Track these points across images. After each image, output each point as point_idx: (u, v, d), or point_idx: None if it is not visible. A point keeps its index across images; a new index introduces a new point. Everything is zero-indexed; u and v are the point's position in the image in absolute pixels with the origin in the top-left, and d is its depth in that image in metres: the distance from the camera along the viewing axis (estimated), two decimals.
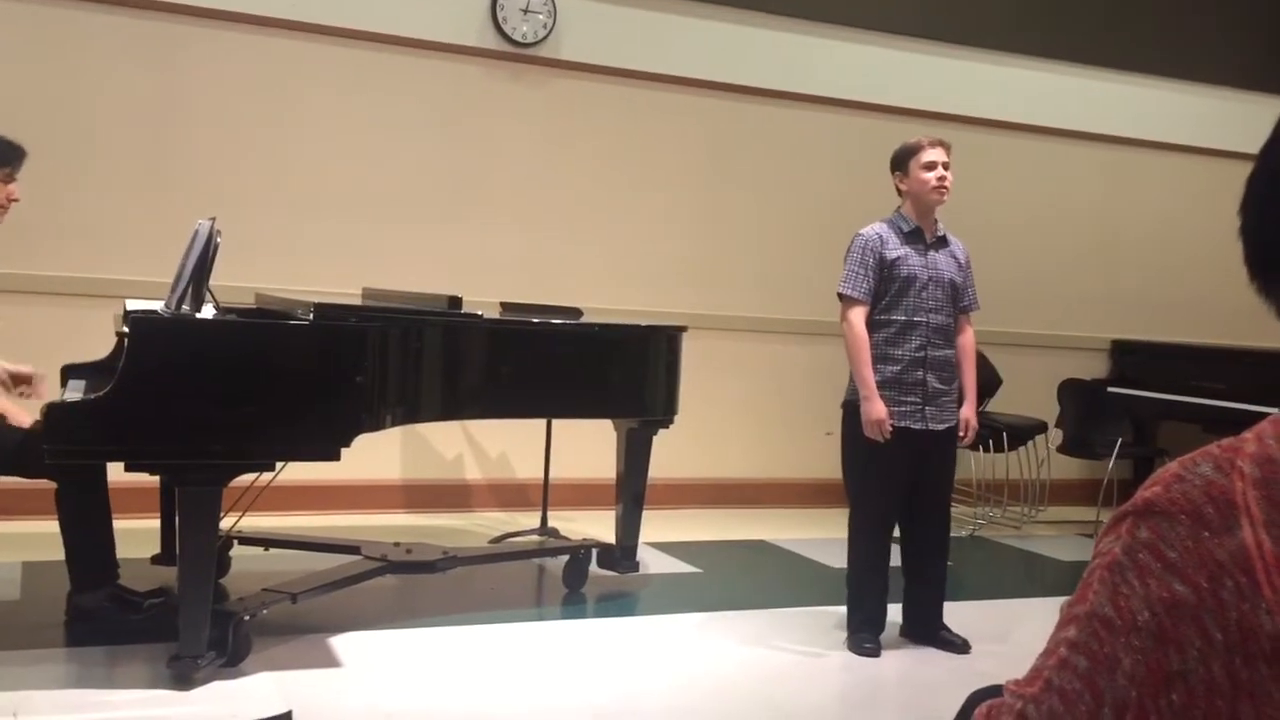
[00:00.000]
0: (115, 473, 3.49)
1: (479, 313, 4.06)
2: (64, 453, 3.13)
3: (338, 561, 4.12)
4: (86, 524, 3.59)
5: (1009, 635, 4.26)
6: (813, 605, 4.46)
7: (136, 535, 4.07)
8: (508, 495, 5.93)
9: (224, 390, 3.23)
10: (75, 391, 3.52)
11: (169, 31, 5.29)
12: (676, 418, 4.57)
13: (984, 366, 6.43)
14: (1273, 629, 0.74)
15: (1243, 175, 0.90)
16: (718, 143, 6.34)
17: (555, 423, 5.22)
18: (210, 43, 5.36)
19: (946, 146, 3.98)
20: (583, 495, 5.67)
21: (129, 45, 5.24)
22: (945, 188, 3.94)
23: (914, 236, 3.98)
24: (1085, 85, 7.11)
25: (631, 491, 4.54)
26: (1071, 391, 6.69)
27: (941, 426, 3.96)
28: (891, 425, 3.84)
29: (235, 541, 4.26)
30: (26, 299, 5.02)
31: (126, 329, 3.28)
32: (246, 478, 3.38)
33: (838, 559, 4.11)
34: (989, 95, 6.87)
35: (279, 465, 3.35)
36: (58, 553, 3.63)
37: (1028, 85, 6.97)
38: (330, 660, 3.55)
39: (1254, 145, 0.93)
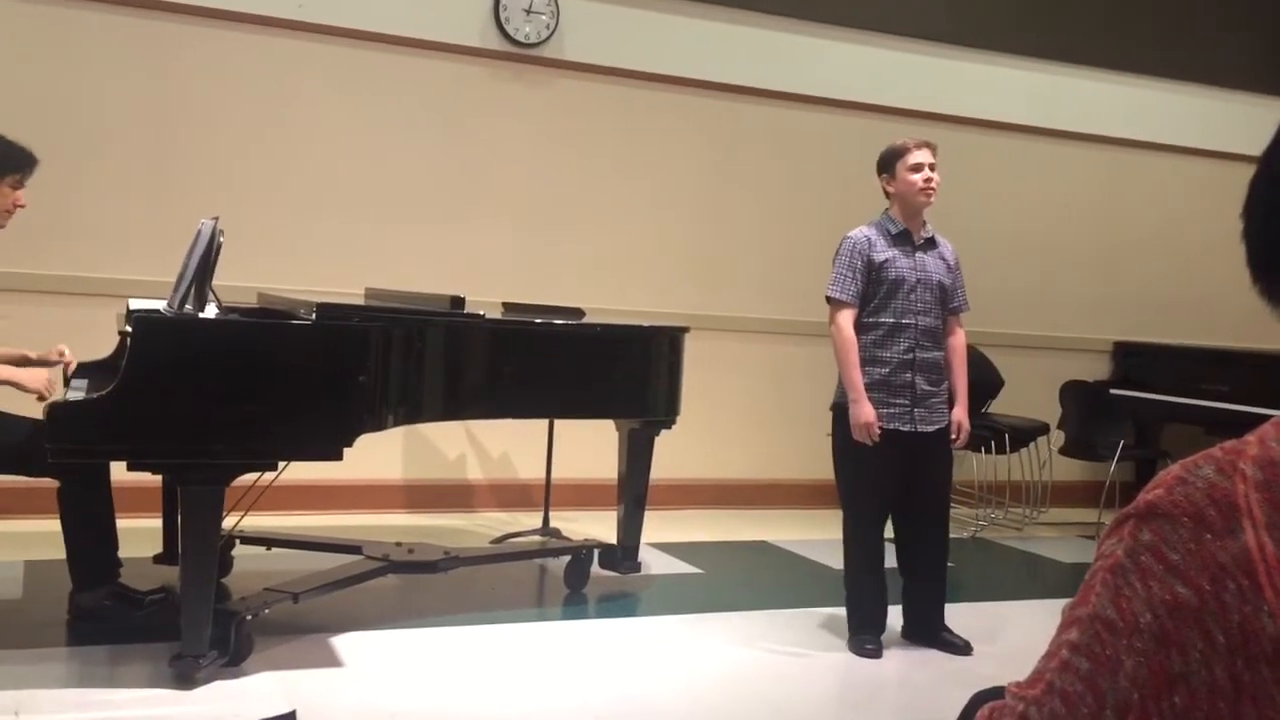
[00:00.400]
0: (118, 472, 3.49)
1: (481, 313, 4.07)
2: (67, 452, 3.13)
3: (340, 561, 4.13)
4: (87, 523, 3.59)
5: (1011, 637, 4.25)
6: (814, 606, 4.46)
7: (139, 534, 4.08)
8: (509, 495, 5.93)
9: (226, 390, 3.23)
10: (78, 391, 3.52)
11: (172, 32, 5.30)
12: (678, 418, 4.58)
13: (986, 368, 6.44)
14: (1275, 631, 0.74)
15: (1245, 177, 0.90)
16: (720, 143, 6.34)
17: (557, 423, 5.22)
18: (213, 43, 5.36)
19: (933, 148, 3.98)
20: (584, 496, 5.67)
21: (132, 46, 5.25)
22: (932, 189, 3.94)
23: (902, 238, 3.98)
24: (1087, 86, 7.11)
25: (633, 492, 4.54)
26: (1073, 393, 6.68)
27: (931, 428, 3.96)
28: (880, 428, 3.85)
29: (237, 541, 4.26)
30: (30, 298, 5.03)
31: (129, 328, 3.28)
32: (249, 477, 3.38)
33: (839, 560, 4.11)
34: (990, 96, 6.87)
35: (281, 465, 3.36)
36: (60, 552, 3.63)
37: (1029, 86, 6.97)
38: (332, 660, 3.55)
39: (1256, 147, 0.93)
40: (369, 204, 5.64)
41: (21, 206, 3.54)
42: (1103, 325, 7.27)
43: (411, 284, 4.85)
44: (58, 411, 3.09)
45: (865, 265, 3.92)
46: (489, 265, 5.79)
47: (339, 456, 3.34)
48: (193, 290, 3.41)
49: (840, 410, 3.95)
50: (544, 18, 5.86)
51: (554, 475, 5.27)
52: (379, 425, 3.51)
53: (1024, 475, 6.54)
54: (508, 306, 4.79)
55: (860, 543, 4.01)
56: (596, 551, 4.60)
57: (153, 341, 3.18)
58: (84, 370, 3.82)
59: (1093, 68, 7.10)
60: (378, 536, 4.65)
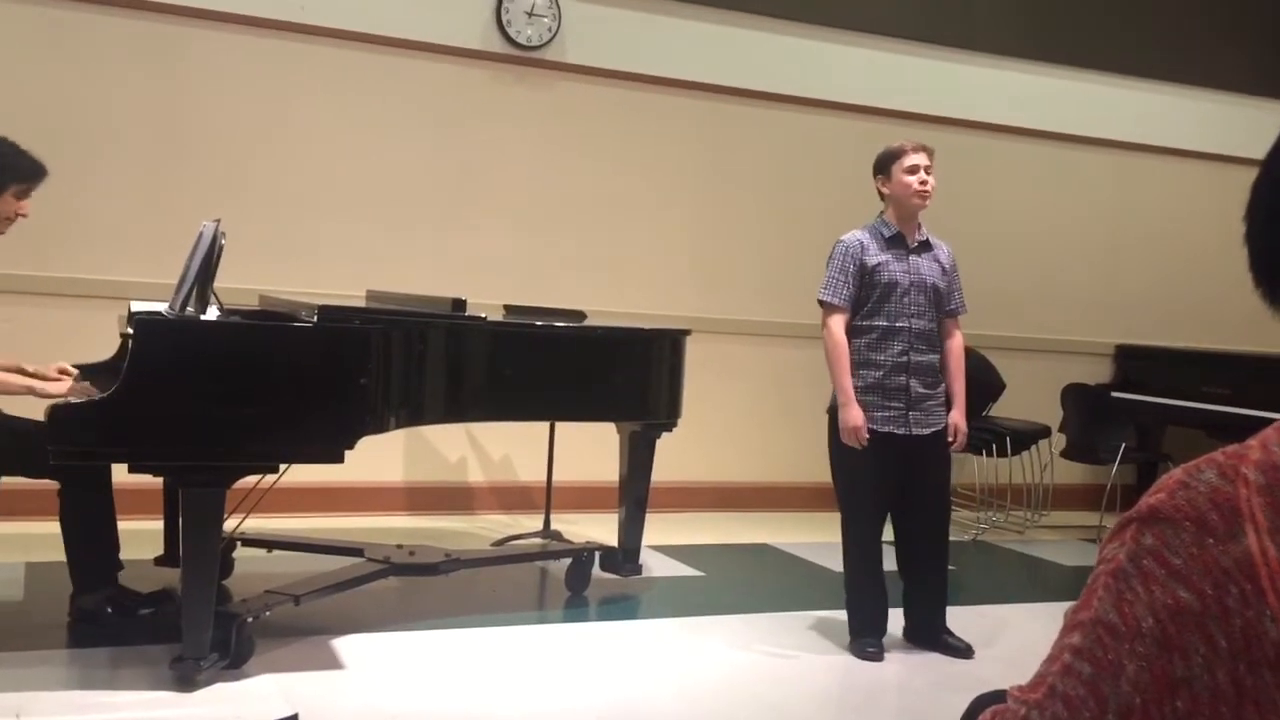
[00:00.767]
0: (119, 474, 3.48)
1: (483, 315, 4.07)
2: (68, 454, 3.13)
3: (341, 563, 4.13)
4: (87, 525, 3.58)
5: (1012, 640, 4.25)
6: (815, 609, 4.45)
7: (140, 536, 4.08)
8: (510, 498, 5.93)
9: (228, 392, 3.23)
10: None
11: (174, 34, 5.30)
12: (679, 421, 4.57)
13: (987, 371, 6.44)
14: (1277, 636, 0.74)
15: (1247, 180, 0.90)
16: (721, 146, 6.34)
17: (558, 425, 5.22)
18: (215, 45, 5.36)
19: (930, 151, 3.98)
20: (585, 498, 5.67)
21: (134, 47, 5.25)
22: (927, 192, 3.94)
23: (895, 242, 3.98)
24: (1089, 90, 7.11)
25: (634, 494, 4.54)
26: (1075, 396, 6.68)
27: (927, 431, 3.96)
28: (871, 431, 3.85)
29: (238, 543, 4.26)
30: (31, 300, 5.03)
31: (131, 330, 3.28)
32: (250, 479, 3.38)
33: (840, 563, 4.11)
34: (992, 100, 6.87)
35: (283, 467, 3.36)
36: (61, 553, 3.63)
37: (1031, 90, 6.97)
38: (332, 662, 3.55)
39: (1259, 150, 0.93)
40: (370, 206, 5.65)
41: (24, 216, 3.49)
42: (1104, 328, 7.27)
43: (413, 286, 4.86)
44: (58, 413, 3.08)
45: (858, 269, 3.92)
46: (490, 267, 5.79)
47: (340, 459, 3.34)
48: (194, 292, 3.41)
49: (834, 414, 3.95)
50: (546, 20, 5.86)
51: (555, 478, 5.27)
52: (380, 427, 3.51)
53: (1025, 478, 6.54)
54: (509, 309, 4.79)
55: (859, 546, 4.01)
56: (597, 554, 4.60)
57: (154, 343, 3.18)
58: (86, 372, 3.82)
59: (1094, 71, 7.10)
60: (379, 539, 4.65)
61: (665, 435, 4.58)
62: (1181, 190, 7.38)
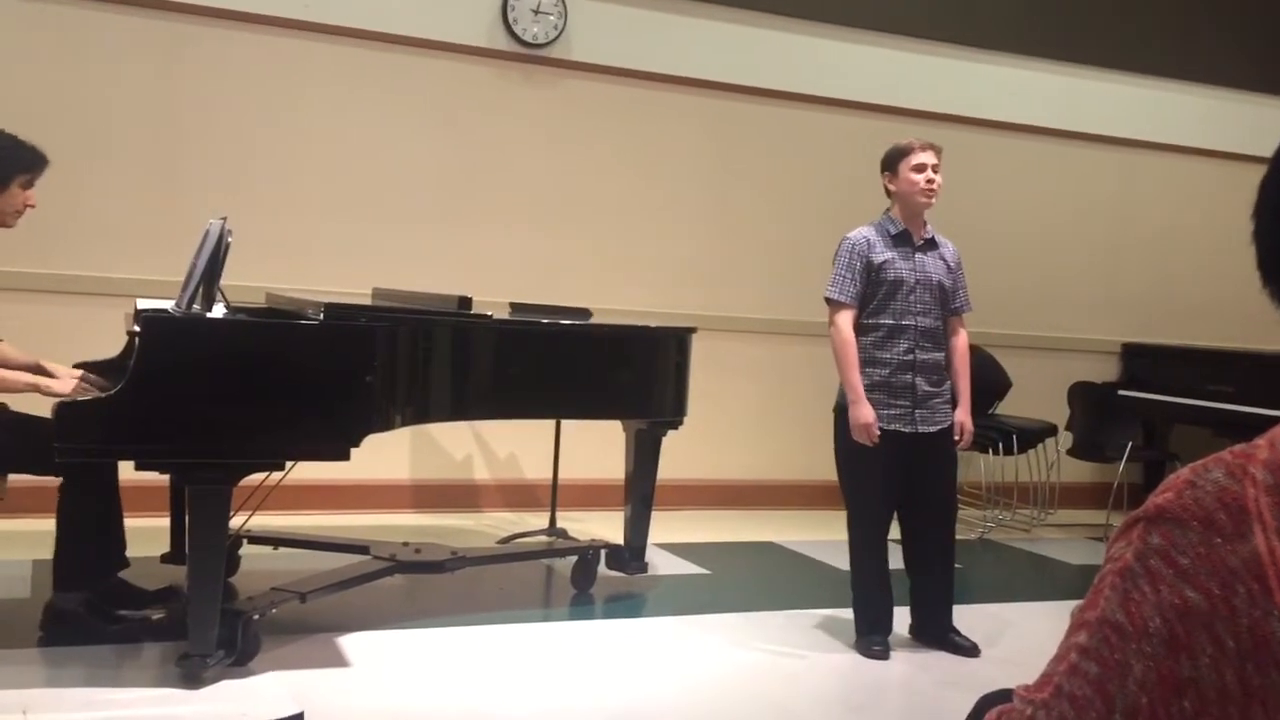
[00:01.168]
0: (126, 471, 3.49)
1: (488, 313, 4.07)
2: (74, 451, 3.14)
3: (346, 561, 4.13)
4: (80, 526, 3.55)
5: (1018, 639, 4.25)
6: (822, 607, 4.45)
7: (146, 534, 4.08)
8: (516, 496, 5.93)
9: (234, 390, 3.23)
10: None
11: (180, 31, 5.31)
12: (685, 419, 4.57)
13: (994, 369, 6.43)
14: None
15: (1254, 178, 0.90)
16: (727, 144, 6.34)
17: (564, 423, 5.22)
18: (221, 43, 5.37)
19: (937, 150, 3.98)
20: (591, 496, 5.67)
21: (140, 45, 5.26)
22: (933, 190, 3.94)
23: (902, 239, 3.98)
24: (1094, 87, 7.09)
25: (640, 492, 4.54)
26: (1082, 394, 6.67)
27: (933, 429, 3.95)
28: (881, 429, 3.84)
29: (244, 540, 4.27)
30: (38, 297, 5.04)
31: (137, 328, 3.29)
32: (256, 477, 3.38)
33: (846, 561, 4.11)
34: (998, 97, 6.86)
35: (289, 465, 3.36)
36: None
37: (1036, 87, 6.96)
38: (338, 660, 3.56)
39: (1265, 147, 0.92)
40: (376, 204, 5.65)
41: (31, 207, 3.54)
42: (1111, 326, 7.26)
43: (419, 284, 4.86)
44: (65, 411, 3.09)
45: (864, 266, 3.92)
46: (496, 265, 5.79)
47: (346, 456, 3.34)
48: (201, 290, 3.42)
49: (841, 412, 3.94)
50: (552, 18, 5.86)
51: (561, 475, 5.28)
52: (386, 425, 3.51)
53: (1032, 476, 6.53)
54: (515, 307, 4.79)
55: (865, 544, 4.01)
56: (603, 552, 4.60)
57: (161, 341, 3.18)
58: (92, 370, 3.82)
59: (1100, 68, 7.08)
60: (385, 536, 4.65)
61: (671, 433, 4.58)
62: (1188, 188, 7.36)
